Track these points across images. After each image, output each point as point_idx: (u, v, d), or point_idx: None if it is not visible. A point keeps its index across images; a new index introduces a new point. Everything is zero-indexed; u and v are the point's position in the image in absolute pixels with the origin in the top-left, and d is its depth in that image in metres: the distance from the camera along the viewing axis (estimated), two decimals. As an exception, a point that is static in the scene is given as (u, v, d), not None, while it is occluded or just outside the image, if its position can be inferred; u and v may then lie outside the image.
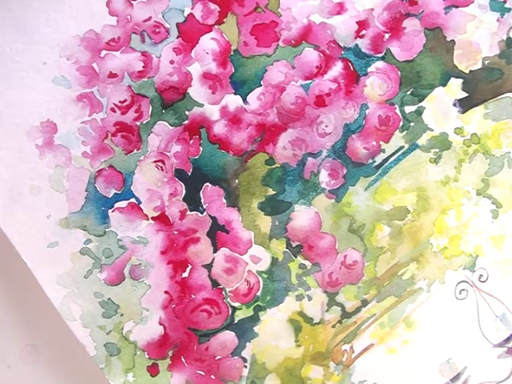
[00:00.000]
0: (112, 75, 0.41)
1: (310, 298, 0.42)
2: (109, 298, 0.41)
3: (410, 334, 0.43)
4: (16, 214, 0.40)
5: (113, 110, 0.41)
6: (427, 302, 0.43)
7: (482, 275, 0.43)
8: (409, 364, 0.43)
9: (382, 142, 0.42)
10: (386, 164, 0.42)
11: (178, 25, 0.41)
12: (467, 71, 0.42)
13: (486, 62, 0.42)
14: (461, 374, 0.43)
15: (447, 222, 0.42)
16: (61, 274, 0.41)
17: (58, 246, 0.41)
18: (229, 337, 0.42)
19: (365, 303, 0.42)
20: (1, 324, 0.42)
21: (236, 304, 0.42)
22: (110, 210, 0.41)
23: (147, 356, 0.41)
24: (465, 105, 0.42)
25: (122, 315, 0.41)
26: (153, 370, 0.42)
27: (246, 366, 0.42)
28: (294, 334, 0.42)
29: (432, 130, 0.42)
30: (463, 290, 0.43)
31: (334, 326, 0.42)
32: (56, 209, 0.41)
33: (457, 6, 0.42)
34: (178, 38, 0.41)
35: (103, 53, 0.41)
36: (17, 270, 0.42)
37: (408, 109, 0.42)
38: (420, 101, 0.42)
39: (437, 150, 0.42)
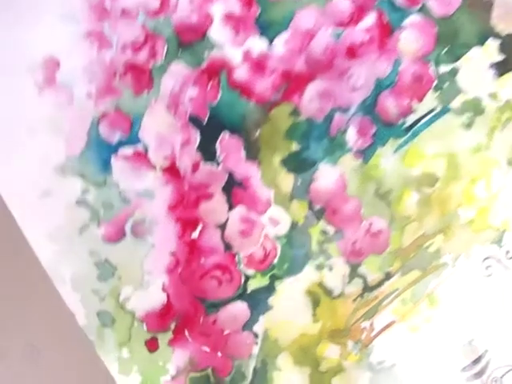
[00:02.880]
0: (125, 12, 0.37)
1: (330, 269, 0.38)
2: (106, 259, 0.36)
3: (432, 311, 0.40)
4: (7, 158, 0.35)
5: (124, 48, 0.37)
6: (452, 278, 0.40)
7: (508, 251, 0.40)
8: (430, 344, 0.40)
9: (413, 102, 0.39)
10: (416, 126, 0.39)
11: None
12: (505, 33, 0.39)
13: (524, 25, 0.40)
14: (482, 356, 0.40)
15: (476, 193, 0.40)
16: (52, 227, 0.36)
17: (52, 195, 0.36)
18: (240, 308, 0.38)
19: (388, 276, 0.39)
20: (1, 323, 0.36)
21: (250, 272, 0.38)
22: (113, 157, 0.36)
23: (146, 328, 0.37)
24: (501, 68, 0.40)
25: (119, 278, 0.37)
26: (151, 345, 0.37)
27: (256, 343, 0.38)
28: (312, 308, 0.39)
29: (466, 93, 0.39)
30: (489, 266, 0.40)
31: (354, 301, 0.39)
32: (52, 153, 0.36)
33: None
34: (199, -29, 0.37)
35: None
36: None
37: (442, 68, 0.40)
38: (455, 60, 0.39)
39: (469, 115, 0.39)
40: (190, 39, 0.39)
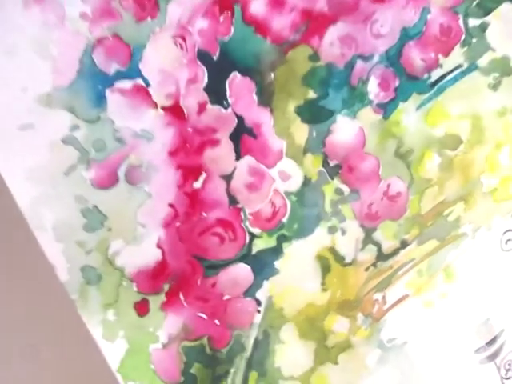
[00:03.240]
0: None
1: (343, 232, 0.35)
2: (94, 206, 0.32)
3: (448, 285, 0.38)
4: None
5: (125, -37, 0.32)
6: (470, 250, 0.37)
7: (530, 225, 0.37)
8: (444, 322, 0.37)
9: (440, 56, 0.35)
10: (441, 82, 0.36)
11: None
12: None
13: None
14: (497, 337, 0.37)
15: (500, 160, 0.36)
16: (33, 167, 0.31)
17: (34, 129, 0.31)
18: (243, 271, 0.34)
19: (404, 245, 0.36)
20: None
21: (256, 230, 0.34)
22: (108, 90, 0.31)
23: (136, 289, 0.33)
24: None
25: (109, 230, 0.32)
26: (141, 308, 0.33)
27: (259, 311, 0.34)
28: (321, 275, 0.35)
29: (494, 51, 0.36)
30: (509, 240, 0.37)
31: (367, 270, 0.36)
32: (36, 80, 0.31)
33: None
34: None
35: None
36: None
37: (472, 22, 0.37)
38: (486, 14, 0.37)
39: (497, 75, 0.36)
40: (202, -35, 0.34)
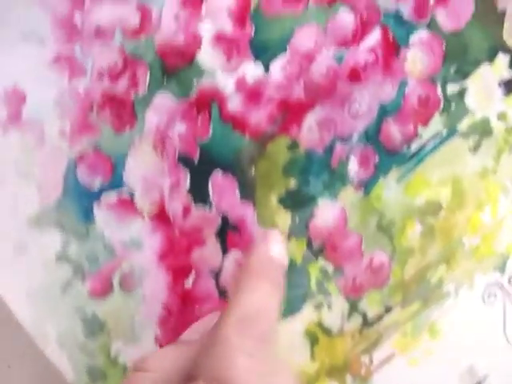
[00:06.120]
0: (99, 31, 0.33)
1: (329, 307, 0.39)
2: (93, 314, 0.35)
3: (433, 343, 0.40)
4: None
5: (100, 75, 0.34)
6: (454, 308, 0.40)
7: (511, 277, 0.40)
8: (430, 375, 0.40)
9: (419, 127, 0.37)
10: (421, 152, 0.38)
11: (185, -32, 0.35)
12: (515, 47, 0.39)
13: (536, 37, 0.39)
14: (481, 381, 0.41)
15: (482, 219, 0.39)
16: (31, 287, 0.34)
17: (28, 250, 0.35)
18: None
19: (388, 309, 0.41)
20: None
21: (246, 316, 0.37)
22: (94, 205, 0.34)
23: None
24: (510, 86, 0.38)
25: (108, 334, 0.35)
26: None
27: None
28: (310, 348, 0.39)
29: (473, 114, 0.38)
30: (491, 293, 0.41)
31: (353, 337, 0.38)
32: (24, 203, 0.33)
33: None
34: (184, -15, 0.35)
35: (87, 2, 0.33)
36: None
37: (450, 88, 0.38)
38: (464, 79, 0.38)
39: (477, 137, 0.38)
40: (176, 65, 0.37)
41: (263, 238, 0.35)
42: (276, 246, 0.35)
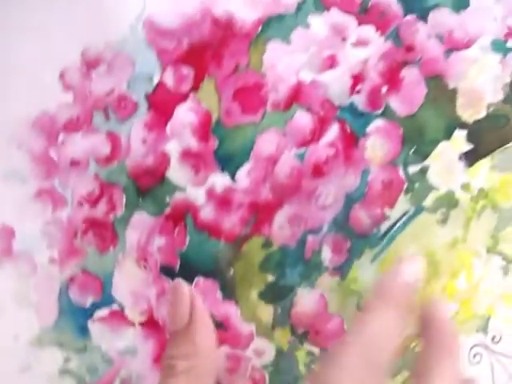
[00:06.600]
0: (74, 163, 0.37)
1: None
2: (98, 420, 0.38)
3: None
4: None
5: (79, 204, 0.37)
6: (441, 371, 0.42)
7: (495, 336, 0.42)
8: None
9: (386, 209, 0.40)
10: (391, 232, 0.40)
11: (146, 96, 0.37)
12: (471, 121, 0.40)
13: (491, 109, 0.40)
14: None
15: (458, 286, 0.41)
16: (39, 400, 0.38)
17: (32, 369, 0.38)
18: None
19: None
20: None
21: (240, 404, 0.40)
22: (89, 321, 0.37)
23: None
24: (471, 158, 0.42)
25: None
26: None
27: None
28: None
29: (438, 189, 0.40)
30: (477, 354, 0.43)
31: None
32: (25, 327, 0.37)
33: (457, 49, 0.39)
34: (148, 111, 0.37)
35: (61, 137, 0.36)
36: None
37: (412, 169, 0.40)
38: (424, 159, 0.41)
39: (444, 210, 0.41)
40: (148, 184, 0.40)
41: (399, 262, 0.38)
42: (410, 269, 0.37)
